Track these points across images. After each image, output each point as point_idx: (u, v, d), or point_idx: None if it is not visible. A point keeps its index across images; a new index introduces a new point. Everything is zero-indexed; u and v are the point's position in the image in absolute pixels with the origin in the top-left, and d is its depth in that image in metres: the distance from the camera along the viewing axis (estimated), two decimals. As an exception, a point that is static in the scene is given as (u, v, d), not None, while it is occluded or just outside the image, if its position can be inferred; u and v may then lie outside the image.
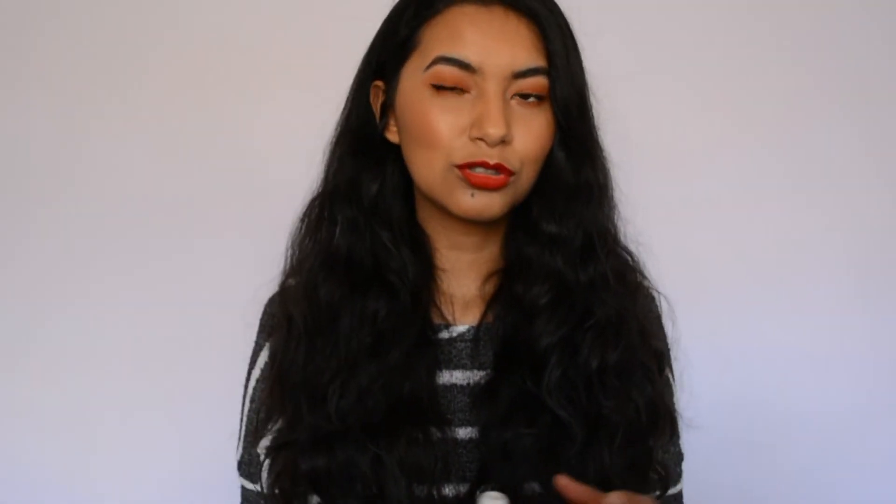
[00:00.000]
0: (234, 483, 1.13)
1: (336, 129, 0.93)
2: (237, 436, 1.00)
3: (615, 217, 0.93)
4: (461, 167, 0.83)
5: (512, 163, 0.83)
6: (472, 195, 0.83)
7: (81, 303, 1.61)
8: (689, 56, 1.63)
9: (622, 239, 0.95)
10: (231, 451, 1.01)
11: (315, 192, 0.94)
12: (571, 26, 0.88)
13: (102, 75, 1.60)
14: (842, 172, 1.65)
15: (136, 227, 1.61)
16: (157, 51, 1.60)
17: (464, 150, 0.83)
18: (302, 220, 0.94)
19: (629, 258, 0.95)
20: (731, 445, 1.60)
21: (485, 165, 0.82)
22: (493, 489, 0.80)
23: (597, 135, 0.91)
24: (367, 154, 0.90)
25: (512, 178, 0.84)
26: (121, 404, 1.61)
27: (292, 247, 0.94)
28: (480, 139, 0.82)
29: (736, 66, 1.64)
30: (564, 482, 0.77)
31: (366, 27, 0.93)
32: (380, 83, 0.89)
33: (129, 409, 1.61)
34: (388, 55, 0.88)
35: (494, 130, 0.81)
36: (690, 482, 0.97)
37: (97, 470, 1.62)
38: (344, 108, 0.92)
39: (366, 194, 0.90)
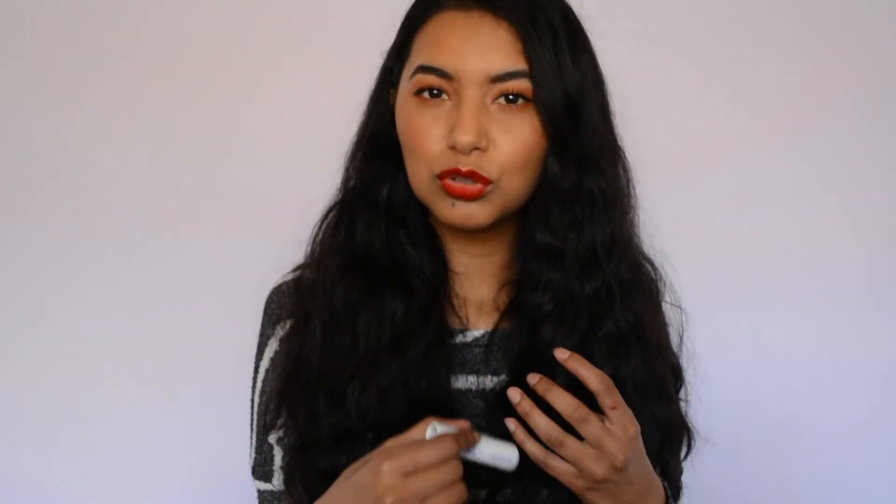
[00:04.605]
0: (234, 483, 1.12)
1: (354, 137, 0.94)
2: (245, 436, 0.98)
3: (632, 226, 0.91)
4: (440, 176, 0.82)
5: (488, 170, 0.82)
6: (453, 204, 0.83)
7: (81, 303, 1.60)
8: (697, 57, 1.62)
9: (644, 249, 0.93)
10: (233, 451, 1.00)
11: (334, 197, 0.94)
12: (573, 26, 0.85)
13: (102, 73, 1.59)
14: (852, 173, 1.64)
15: (135, 227, 1.60)
16: (156, 50, 1.60)
17: (441, 159, 0.82)
18: (321, 221, 0.94)
19: (649, 269, 0.94)
20: (734, 452, 1.59)
21: (457, 173, 0.81)
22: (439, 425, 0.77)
23: (610, 140, 0.89)
24: (381, 158, 0.90)
25: (490, 187, 0.82)
26: (120, 405, 1.60)
27: (312, 246, 0.94)
28: (454, 147, 0.81)
29: (741, 65, 1.63)
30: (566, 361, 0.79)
31: (364, 30, 0.93)
32: (393, 91, 0.90)
33: (129, 409, 1.60)
34: (392, 65, 0.90)
35: (464, 137, 0.80)
36: (696, 489, 0.97)
37: (98, 470, 1.61)
38: (362, 118, 0.93)
39: (381, 197, 0.90)
